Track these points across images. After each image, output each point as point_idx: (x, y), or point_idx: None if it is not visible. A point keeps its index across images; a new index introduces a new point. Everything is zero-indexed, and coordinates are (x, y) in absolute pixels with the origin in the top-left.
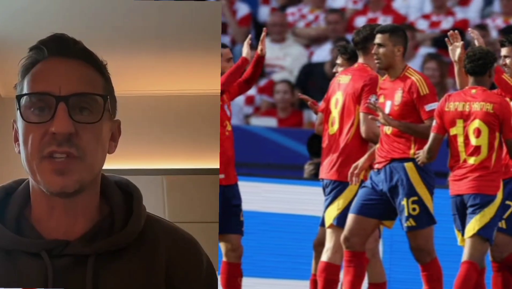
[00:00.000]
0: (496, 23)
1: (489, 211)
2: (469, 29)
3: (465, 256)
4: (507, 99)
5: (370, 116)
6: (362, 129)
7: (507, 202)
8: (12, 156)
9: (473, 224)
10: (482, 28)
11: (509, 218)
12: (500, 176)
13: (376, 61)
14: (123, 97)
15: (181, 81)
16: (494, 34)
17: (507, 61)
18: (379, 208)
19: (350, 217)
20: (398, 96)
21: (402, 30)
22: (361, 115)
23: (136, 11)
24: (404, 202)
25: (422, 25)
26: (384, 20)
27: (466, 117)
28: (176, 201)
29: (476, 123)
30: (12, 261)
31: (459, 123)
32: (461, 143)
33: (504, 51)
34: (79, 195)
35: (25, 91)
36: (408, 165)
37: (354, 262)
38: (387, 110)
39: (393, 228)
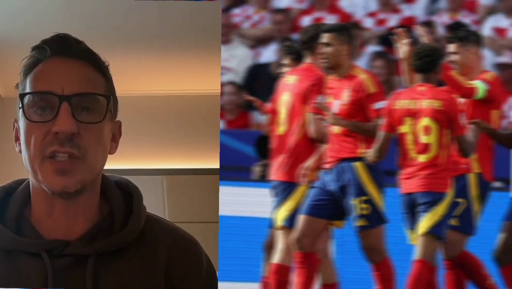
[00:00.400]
0: (442, 19)
1: (440, 209)
2: (416, 26)
3: (416, 255)
4: (455, 96)
5: (318, 116)
6: (310, 130)
7: (458, 200)
8: (12, 156)
9: (424, 222)
10: (428, 24)
11: (461, 216)
12: (450, 174)
13: (323, 61)
14: (123, 97)
15: (181, 81)
16: (441, 30)
17: (455, 57)
18: (329, 208)
19: (301, 218)
20: (345, 95)
21: (348, 29)
22: (309, 115)
23: (136, 11)
24: (354, 202)
25: (368, 23)
26: (330, 19)
27: (414, 115)
28: (176, 201)
29: (425, 121)
30: (12, 261)
31: (408, 121)
32: (410, 141)
33: (451, 47)
34: (79, 195)
35: (27, 90)
36: (357, 165)
37: (305, 263)
38: (335, 109)
39: (344, 228)
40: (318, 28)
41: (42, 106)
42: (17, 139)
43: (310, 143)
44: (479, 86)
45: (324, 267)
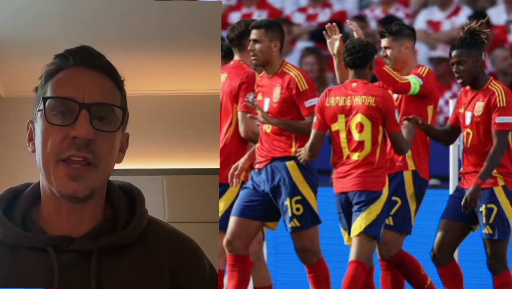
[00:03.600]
0: (374, 13)
1: (375, 208)
2: (347, 20)
3: (352, 255)
4: (389, 91)
5: (248, 115)
6: (241, 129)
7: (393, 198)
8: (13, 155)
9: (359, 222)
10: (360, 19)
11: (396, 215)
12: (385, 172)
13: (252, 58)
14: None
15: (181, 81)
16: (373, 25)
17: (388, 52)
18: (261, 209)
19: (232, 220)
20: (276, 93)
21: (278, 25)
22: (239, 114)
23: (136, 11)
24: (287, 202)
25: (299, 18)
26: (259, 15)
27: (347, 111)
28: (176, 201)
29: (359, 118)
30: (18, 256)
31: (341, 118)
32: (344, 139)
33: (384, 42)
34: (87, 200)
35: (48, 94)
36: (290, 164)
37: (238, 266)
38: (266, 107)
39: (277, 229)
40: (247, 24)
41: (62, 111)
42: (31, 139)
43: (241, 143)
44: (414, 81)
45: (257, 269)
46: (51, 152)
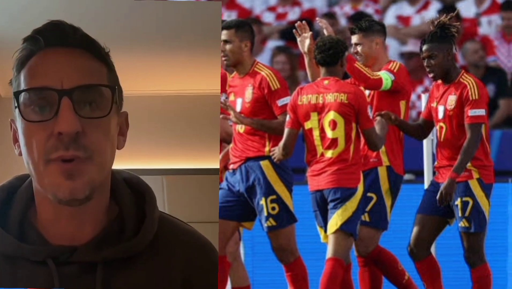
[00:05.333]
0: (344, 10)
1: (351, 205)
2: (317, 18)
3: (329, 253)
4: (361, 88)
5: (221, 116)
6: None
7: (369, 194)
8: (12, 155)
9: (335, 219)
10: (330, 16)
11: (372, 211)
12: (360, 168)
13: (223, 58)
14: (123, 97)
15: (181, 81)
16: (343, 22)
17: (359, 48)
18: (237, 209)
19: None
20: (248, 93)
21: (248, 25)
22: None
23: (136, 11)
24: (262, 202)
25: (268, 17)
26: (229, 16)
27: (320, 109)
28: (176, 201)
29: (331, 115)
30: (16, 269)
31: (314, 116)
32: (317, 137)
33: (354, 38)
34: (88, 202)
35: (22, 86)
36: (264, 163)
37: None
38: (238, 107)
39: (253, 229)
40: None
41: (40, 104)
42: (16, 140)
43: None
44: (385, 77)
45: (235, 270)
46: (37, 154)
